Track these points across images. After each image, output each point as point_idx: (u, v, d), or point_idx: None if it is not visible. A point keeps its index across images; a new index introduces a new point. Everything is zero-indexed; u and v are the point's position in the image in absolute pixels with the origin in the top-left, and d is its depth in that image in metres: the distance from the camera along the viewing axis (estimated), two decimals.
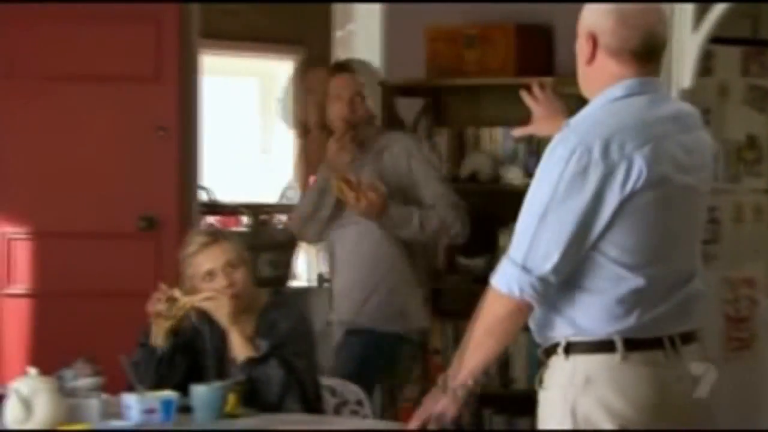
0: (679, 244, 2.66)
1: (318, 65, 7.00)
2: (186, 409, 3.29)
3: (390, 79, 4.93)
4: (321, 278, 6.47)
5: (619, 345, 2.60)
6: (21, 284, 5.23)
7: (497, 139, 4.64)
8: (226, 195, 6.79)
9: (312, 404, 3.47)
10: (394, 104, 4.79)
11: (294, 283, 6.59)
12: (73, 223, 5.19)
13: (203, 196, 6.23)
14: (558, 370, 2.64)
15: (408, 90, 4.91)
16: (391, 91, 4.85)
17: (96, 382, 3.39)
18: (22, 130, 5.23)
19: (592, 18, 2.66)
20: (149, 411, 3.21)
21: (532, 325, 2.70)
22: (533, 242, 2.57)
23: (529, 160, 4.54)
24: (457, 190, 4.81)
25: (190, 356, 3.56)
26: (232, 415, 3.29)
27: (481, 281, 4.52)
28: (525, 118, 4.60)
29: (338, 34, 5.75)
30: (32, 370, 3.19)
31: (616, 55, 2.65)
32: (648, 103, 2.67)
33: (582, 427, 2.61)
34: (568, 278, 2.61)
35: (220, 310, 3.48)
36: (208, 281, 3.51)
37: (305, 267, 6.76)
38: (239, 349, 3.46)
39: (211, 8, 6.14)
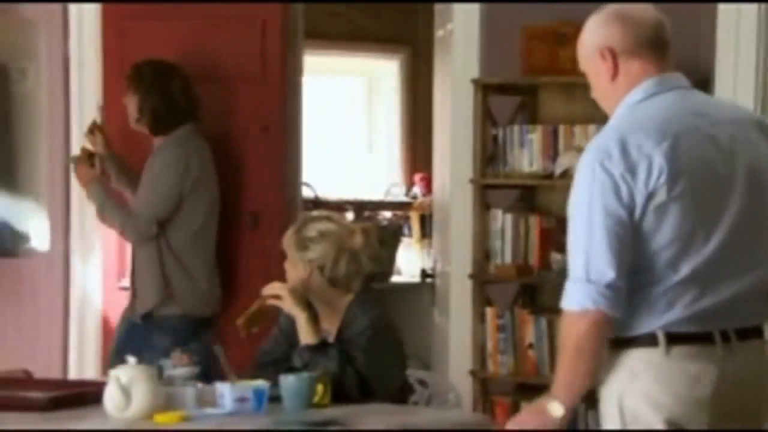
0: (722, 236, 2.65)
1: (421, 64, 7.08)
2: (278, 399, 3.40)
3: (486, 77, 5.00)
4: (423, 273, 6.55)
5: (662, 339, 2.63)
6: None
7: (591, 136, 4.66)
8: (331, 192, 6.89)
9: (378, 398, 3.51)
10: (488, 102, 4.86)
11: (398, 279, 6.67)
12: None
13: (308, 193, 6.34)
14: (609, 366, 2.67)
15: (503, 88, 4.96)
16: (487, 89, 4.92)
17: (192, 372, 3.52)
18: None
19: (598, 36, 2.72)
20: (241, 399, 3.32)
21: None
22: (588, 254, 2.61)
23: None
24: (550, 187, 4.87)
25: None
26: (321, 405, 3.38)
27: None
28: None
29: (439, 33, 5.80)
30: (132, 359, 3.32)
31: (636, 54, 2.69)
32: (673, 99, 2.70)
33: (629, 421, 2.64)
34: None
35: (285, 303, 3.59)
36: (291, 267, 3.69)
37: (408, 262, 6.83)
38: (302, 334, 3.56)
39: (316, 9, 6.25)
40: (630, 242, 2.61)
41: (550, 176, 4.74)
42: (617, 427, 2.67)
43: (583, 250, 2.61)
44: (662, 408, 2.62)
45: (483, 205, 4.91)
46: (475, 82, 4.93)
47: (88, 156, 4.95)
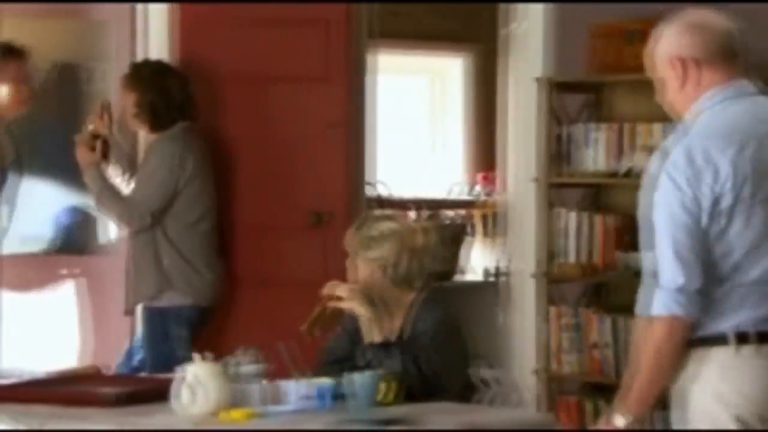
0: None
1: (487, 63, 7.07)
2: (342, 397, 3.41)
3: (553, 75, 4.98)
4: (487, 272, 6.54)
5: (732, 339, 2.67)
6: None
7: (657, 134, 4.63)
8: (396, 191, 6.90)
9: (442, 397, 3.52)
10: (554, 100, 4.84)
11: (461, 278, 6.67)
12: (247, 217, 5.37)
13: (373, 192, 6.35)
14: (679, 366, 2.71)
15: (569, 86, 4.95)
16: (552, 87, 4.90)
17: (258, 369, 3.54)
18: (202, 128, 5.42)
19: (670, 44, 2.79)
20: (306, 397, 3.34)
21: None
22: (673, 261, 2.68)
23: None
24: (616, 186, 4.84)
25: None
26: (385, 403, 3.39)
27: (640, 275, 4.58)
28: None
29: (504, 31, 5.79)
30: (198, 356, 3.35)
31: (706, 64, 2.74)
32: (741, 107, 2.75)
33: (698, 419, 2.68)
34: None
35: (347, 302, 3.62)
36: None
37: (472, 261, 6.83)
38: (366, 333, 3.57)
39: (382, 9, 6.26)
40: (699, 247, 2.67)
41: (615, 175, 4.72)
42: (686, 426, 2.70)
43: (669, 257, 2.70)
44: (731, 406, 2.66)
45: (548, 204, 4.90)
46: (540, 80, 4.92)
47: (92, 137, 5.03)
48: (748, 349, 2.66)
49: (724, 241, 2.68)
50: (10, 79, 5.14)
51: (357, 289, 3.63)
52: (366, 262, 3.66)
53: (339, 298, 3.62)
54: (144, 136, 5.26)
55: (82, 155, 5.02)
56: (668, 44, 2.81)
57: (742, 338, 2.66)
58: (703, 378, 2.68)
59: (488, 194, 6.94)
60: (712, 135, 2.69)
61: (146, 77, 5.07)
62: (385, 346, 3.55)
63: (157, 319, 4.96)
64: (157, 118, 5.02)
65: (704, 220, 2.67)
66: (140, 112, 5.03)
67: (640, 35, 4.63)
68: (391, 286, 3.65)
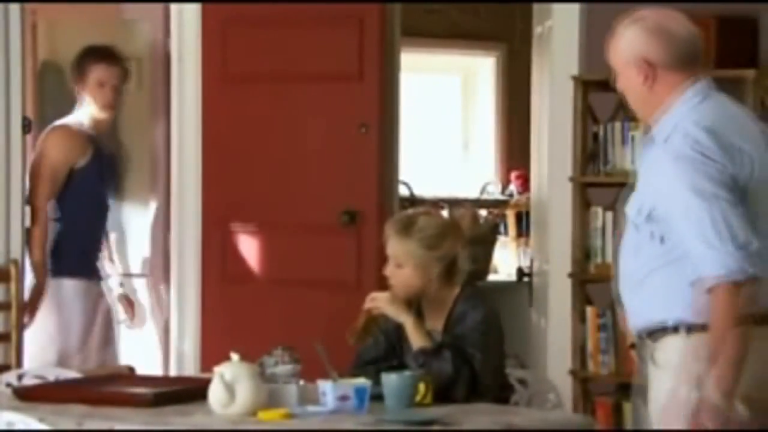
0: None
1: (520, 61, 7.04)
2: (379, 397, 3.39)
3: (587, 73, 4.94)
4: (520, 272, 6.51)
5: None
6: (231, 273, 5.43)
7: None
8: (427, 190, 6.88)
9: (485, 396, 3.50)
10: (589, 99, 4.81)
11: (494, 278, 6.64)
12: (281, 216, 5.36)
13: (404, 191, 6.33)
14: (676, 350, 2.77)
15: (604, 85, 4.89)
16: (588, 86, 4.86)
17: (294, 369, 3.53)
18: (235, 127, 5.44)
19: (636, 45, 2.89)
20: (343, 398, 3.32)
21: (630, 307, 2.89)
22: (724, 224, 2.72)
23: None
24: None
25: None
26: (423, 405, 3.37)
27: None
28: None
29: (537, 30, 5.75)
30: (235, 356, 3.34)
31: (674, 67, 2.85)
32: (724, 100, 2.90)
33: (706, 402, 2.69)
34: (678, 261, 2.75)
35: (391, 310, 3.61)
36: (390, 263, 3.68)
37: (504, 261, 6.80)
38: (413, 338, 3.55)
39: (413, 7, 6.24)
40: (744, 204, 2.76)
41: None
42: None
43: (718, 222, 2.72)
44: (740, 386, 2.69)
45: (583, 204, 4.86)
46: (575, 78, 4.88)
47: None
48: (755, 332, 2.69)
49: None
50: (96, 82, 5.13)
51: (394, 297, 3.62)
52: (434, 261, 3.60)
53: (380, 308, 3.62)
54: None
55: None
56: (634, 46, 2.91)
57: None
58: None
59: (521, 193, 6.91)
60: (724, 122, 2.80)
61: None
62: (435, 349, 3.52)
63: None
64: None
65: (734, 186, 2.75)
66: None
67: None
68: (437, 285, 3.62)
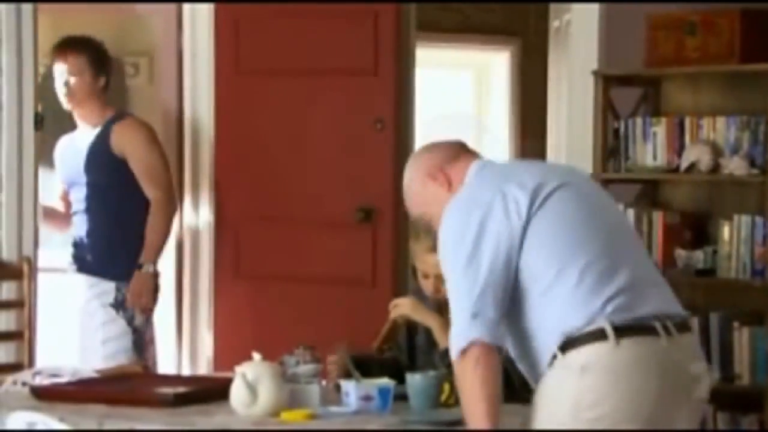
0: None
1: (534, 56, 6.99)
2: (402, 397, 3.34)
3: (607, 68, 4.88)
4: None
5: (610, 332, 2.75)
6: (245, 269, 5.38)
7: (719, 128, 4.53)
8: None
9: (518, 393, 3.45)
10: (609, 94, 4.75)
11: None
12: (296, 212, 5.31)
13: None
14: (556, 369, 2.81)
15: (625, 79, 4.85)
16: (608, 80, 4.80)
17: (316, 369, 3.48)
18: (249, 123, 5.38)
19: (418, 170, 3.10)
20: (366, 398, 3.27)
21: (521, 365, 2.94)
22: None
23: (753, 149, 4.42)
24: (674, 182, 4.74)
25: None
26: (448, 405, 3.32)
27: (701, 273, 4.49)
28: (748, 107, 4.53)
29: (555, 24, 5.70)
30: (257, 356, 3.28)
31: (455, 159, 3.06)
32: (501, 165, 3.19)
33: (583, 413, 2.75)
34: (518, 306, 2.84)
35: (416, 314, 3.59)
36: (423, 278, 3.63)
37: None
38: (442, 339, 3.49)
39: (427, 2, 6.18)
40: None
41: (675, 170, 4.61)
42: (568, 425, 2.77)
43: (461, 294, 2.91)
44: (610, 401, 2.76)
45: None
46: (596, 73, 4.82)
47: None
48: (627, 342, 2.75)
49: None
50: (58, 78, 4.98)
51: (417, 303, 3.61)
52: None
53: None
54: None
55: None
56: (416, 172, 3.11)
57: (619, 331, 2.77)
58: (585, 372, 2.78)
59: None
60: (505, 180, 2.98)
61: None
62: None
63: None
64: None
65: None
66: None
67: (700, 25, 4.55)
68: None
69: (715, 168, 4.51)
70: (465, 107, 7.48)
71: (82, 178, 4.93)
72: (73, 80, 4.93)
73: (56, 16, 5.51)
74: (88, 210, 4.93)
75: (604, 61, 4.96)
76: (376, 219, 5.20)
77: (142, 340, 4.84)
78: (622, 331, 2.75)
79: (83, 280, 4.94)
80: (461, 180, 3.01)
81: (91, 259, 4.91)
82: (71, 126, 5.06)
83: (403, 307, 3.62)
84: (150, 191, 4.88)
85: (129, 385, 3.51)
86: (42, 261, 5.05)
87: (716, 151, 4.52)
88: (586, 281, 2.78)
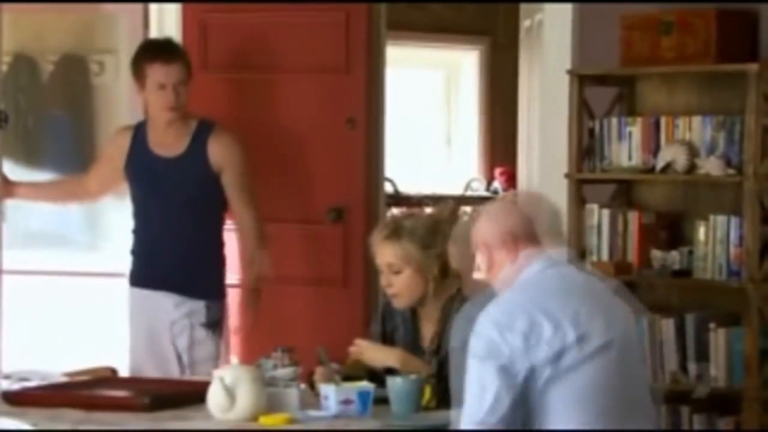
0: None
1: (504, 55, 6.96)
2: (383, 401, 3.29)
3: (581, 68, 4.86)
4: None
5: None
6: None
7: (695, 128, 4.51)
8: (411, 186, 6.79)
9: None
10: (584, 94, 4.72)
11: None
12: (266, 212, 5.22)
13: (388, 188, 6.24)
14: None
15: (601, 79, 4.82)
16: (583, 80, 4.77)
17: (295, 372, 3.42)
18: (218, 122, 5.32)
19: (503, 225, 3.03)
20: (346, 402, 3.23)
21: None
22: None
23: (729, 149, 4.40)
24: (650, 182, 4.72)
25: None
26: (428, 408, 3.28)
27: (677, 274, 4.48)
28: (724, 107, 4.52)
29: (526, 23, 5.67)
30: (235, 359, 3.23)
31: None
32: None
33: None
34: None
35: (375, 357, 3.52)
36: (385, 271, 3.58)
37: None
38: (404, 371, 3.43)
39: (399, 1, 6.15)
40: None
41: (651, 170, 4.59)
42: None
43: None
44: None
45: (579, 201, 4.77)
46: (571, 73, 4.79)
47: None
48: None
49: None
50: (156, 83, 4.67)
51: (374, 345, 3.55)
52: (432, 261, 3.51)
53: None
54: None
55: None
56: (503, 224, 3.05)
57: None
58: None
59: (506, 190, 6.83)
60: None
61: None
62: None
63: None
64: None
65: None
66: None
67: (675, 25, 4.54)
68: (434, 285, 3.53)
69: (691, 168, 4.50)
70: (434, 108, 7.45)
71: (165, 191, 4.67)
72: (182, 89, 4.67)
73: (18, 14, 5.45)
74: (170, 224, 4.65)
75: (577, 61, 4.94)
76: (348, 218, 5.16)
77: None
78: None
79: (162, 298, 4.60)
80: (520, 268, 3.02)
81: (179, 276, 4.61)
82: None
83: (362, 349, 3.52)
84: (243, 209, 4.71)
85: (101, 389, 3.45)
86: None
87: (692, 151, 4.50)
88: None
